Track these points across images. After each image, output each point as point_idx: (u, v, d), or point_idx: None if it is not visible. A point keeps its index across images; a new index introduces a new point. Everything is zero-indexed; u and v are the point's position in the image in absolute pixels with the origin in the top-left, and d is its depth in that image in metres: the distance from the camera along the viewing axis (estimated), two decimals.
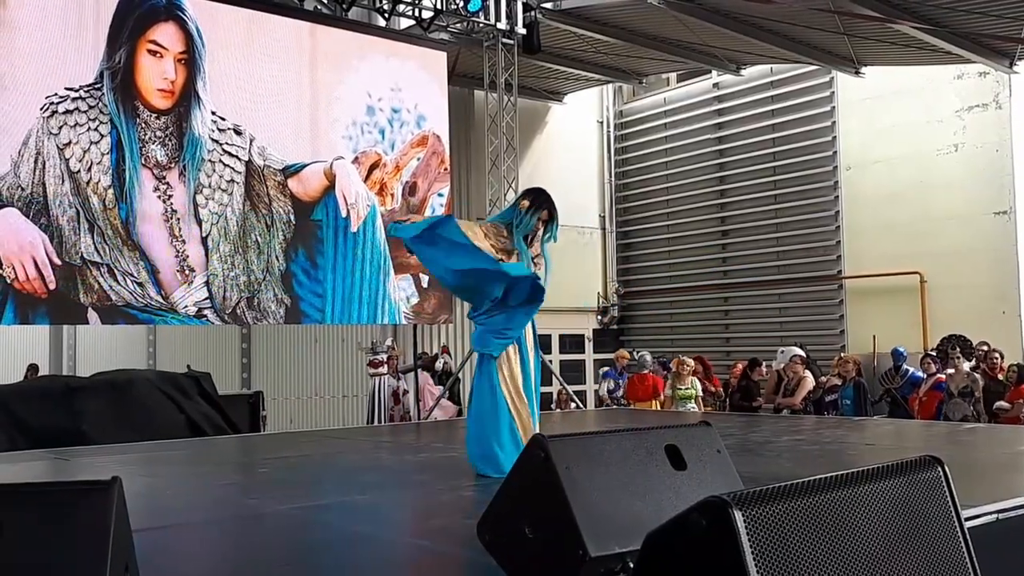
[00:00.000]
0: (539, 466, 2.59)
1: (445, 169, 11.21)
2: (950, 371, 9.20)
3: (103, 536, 1.72)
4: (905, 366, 10.06)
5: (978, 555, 2.90)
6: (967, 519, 3.21)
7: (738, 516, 1.59)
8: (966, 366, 9.74)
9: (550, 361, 13.52)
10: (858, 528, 1.75)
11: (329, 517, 3.70)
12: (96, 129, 8.49)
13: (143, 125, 8.75)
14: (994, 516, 3.41)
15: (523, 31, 11.83)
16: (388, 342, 12.07)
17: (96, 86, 8.51)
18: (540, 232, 4.91)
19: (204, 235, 9.05)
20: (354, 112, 10.34)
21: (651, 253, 16.56)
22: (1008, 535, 3.37)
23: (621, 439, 2.86)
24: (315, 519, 3.65)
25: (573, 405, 12.24)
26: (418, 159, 10.93)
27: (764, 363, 11.31)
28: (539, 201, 4.92)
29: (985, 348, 9.99)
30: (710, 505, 1.62)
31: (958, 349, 9.49)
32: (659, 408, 10.29)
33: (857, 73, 13.00)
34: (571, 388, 12.58)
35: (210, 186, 9.13)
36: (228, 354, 16.20)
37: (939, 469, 1.98)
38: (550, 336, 15.77)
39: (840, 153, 13.90)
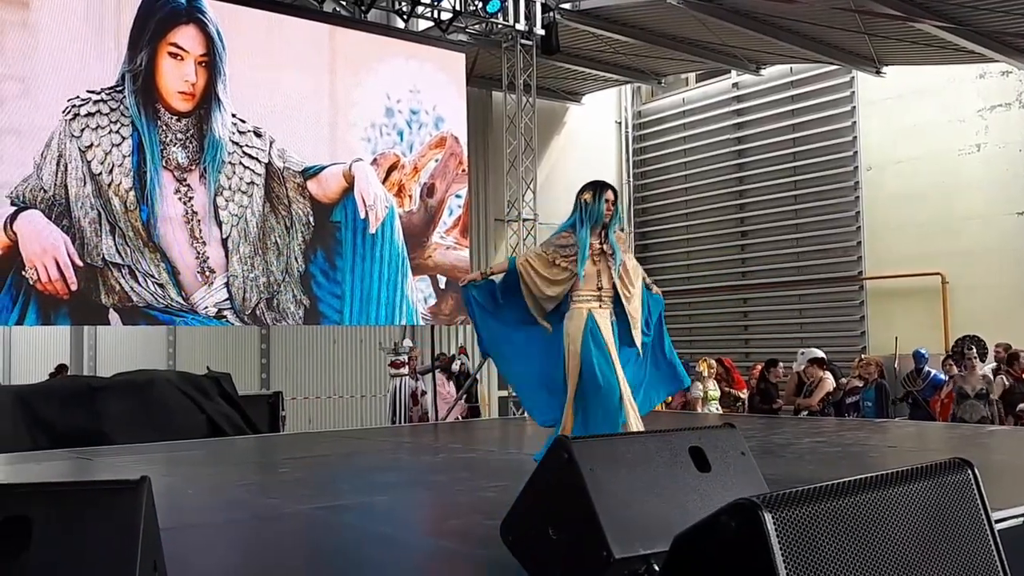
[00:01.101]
0: (563, 467, 2.58)
1: (463, 170, 11.22)
2: (962, 372, 9.10)
3: (133, 534, 1.73)
4: (927, 368, 9.98)
5: (1008, 559, 2.87)
6: (996, 521, 3.18)
7: (768, 518, 1.58)
8: (987, 368, 9.65)
9: None
10: (888, 531, 1.73)
11: (348, 517, 3.70)
12: (118, 132, 8.54)
13: (164, 127, 8.80)
14: (1020, 519, 3.37)
15: (542, 32, 11.83)
16: (407, 343, 12.09)
17: (118, 89, 8.57)
18: (609, 220, 4.90)
19: (224, 237, 9.09)
20: (373, 114, 10.36)
21: (670, 254, 16.50)
22: None
23: (645, 441, 2.85)
24: (334, 519, 3.66)
25: None
26: (436, 160, 10.94)
27: (783, 364, 11.25)
28: (599, 186, 4.97)
29: (1005, 349, 9.89)
30: (740, 507, 1.61)
31: (974, 349, 9.39)
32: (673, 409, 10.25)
33: (878, 72, 12.92)
34: None
35: (230, 188, 9.17)
36: (247, 355, 16.28)
37: (969, 472, 1.96)
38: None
39: (861, 153, 13.81)
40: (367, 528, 3.50)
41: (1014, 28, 10.69)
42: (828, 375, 9.97)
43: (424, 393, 11.75)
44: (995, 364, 9.89)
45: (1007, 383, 9.28)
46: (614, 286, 4.86)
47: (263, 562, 3.03)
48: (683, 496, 2.72)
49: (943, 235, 12.69)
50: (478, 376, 12.78)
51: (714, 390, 9.89)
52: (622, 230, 5.09)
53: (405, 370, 11.84)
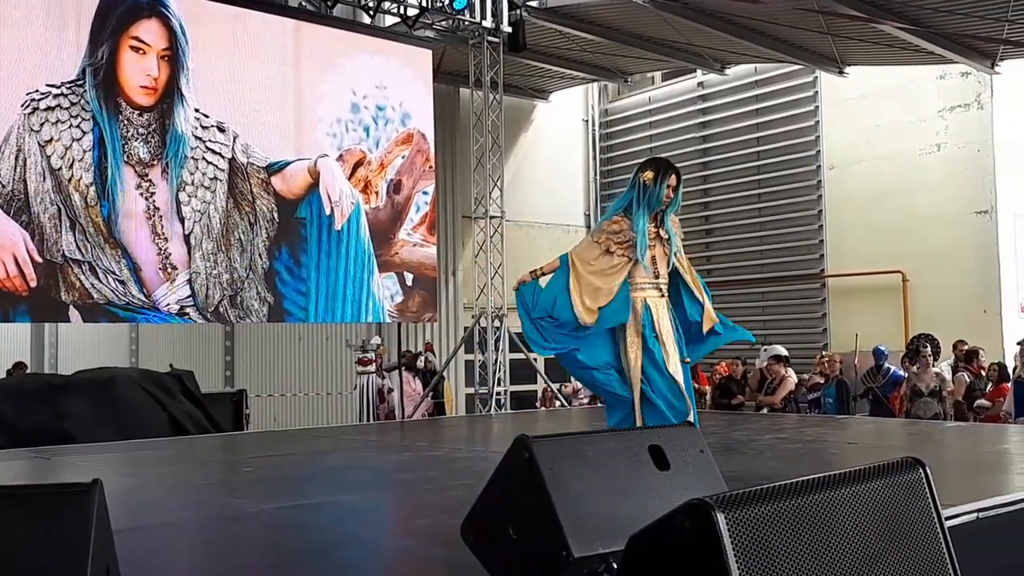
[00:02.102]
0: (523, 467, 2.59)
1: (430, 167, 11.19)
2: (916, 370, 9.24)
3: (83, 539, 1.71)
4: (887, 365, 10.12)
5: (959, 555, 2.92)
6: (948, 518, 3.24)
7: (721, 519, 1.60)
8: (944, 365, 9.80)
9: (535, 359, 13.52)
10: (840, 530, 1.76)
11: (313, 517, 3.69)
12: (78, 126, 8.43)
13: (125, 122, 8.69)
14: (974, 515, 3.44)
15: (508, 29, 11.82)
16: (376, 341, 12.05)
17: (78, 83, 8.45)
18: (667, 206, 4.55)
19: (187, 233, 9.00)
20: (339, 110, 10.31)
21: None
22: (988, 534, 3.40)
23: (605, 439, 2.87)
24: (299, 519, 3.64)
25: (558, 403, 12.25)
26: (403, 157, 10.91)
27: (747, 361, 11.37)
28: (663, 167, 4.57)
29: (965, 347, 10.06)
30: (693, 508, 1.63)
31: (929, 348, 9.54)
32: None
33: (841, 73, 13.06)
34: (556, 386, 12.59)
35: (193, 184, 9.09)
36: (211, 352, 16.14)
37: (921, 471, 1.99)
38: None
39: (823, 152, 13.96)
40: (333, 528, 3.49)
41: (973, 31, 10.86)
42: (791, 372, 10.08)
43: (391, 390, 11.73)
44: (953, 362, 10.06)
45: (968, 380, 9.45)
46: (670, 273, 4.55)
47: (225, 564, 3.01)
48: (642, 494, 2.74)
49: (904, 234, 12.86)
50: (444, 373, 12.77)
51: None
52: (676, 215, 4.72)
53: (372, 367, 11.82)
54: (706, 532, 1.60)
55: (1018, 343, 9.36)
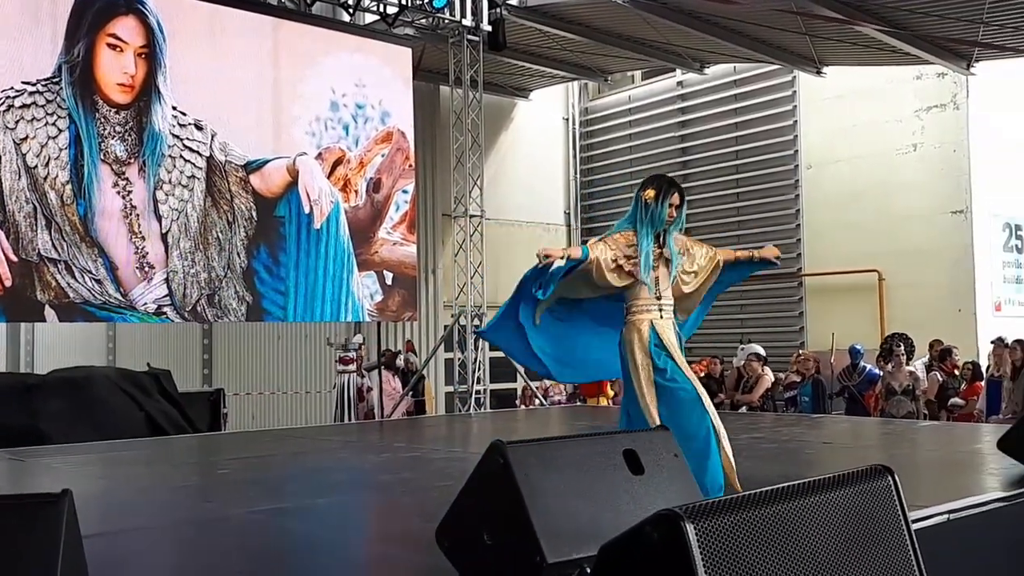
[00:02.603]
0: (498, 473, 2.60)
1: (410, 166, 11.17)
2: (890, 369, 9.33)
3: (52, 552, 1.71)
4: (863, 363, 10.20)
5: (929, 556, 2.95)
6: (919, 519, 3.28)
7: (690, 529, 1.61)
8: (918, 364, 9.89)
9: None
10: (809, 539, 1.78)
11: (289, 522, 3.68)
12: (54, 124, 8.35)
13: (102, 120, 8.62)
14: (945, 516, 3.47)
15: (488, 28, 11.81)
16: (358, 339, 12.01)
17: (54, 80, 8.38)
18: (670, 223, 4.46)
19: (164, 232, 8.94)
20: (318, 108, 10.27)
21: None
22: (959, 535, 3.43)
23: (580, 445, 2.88)
24: (275, 524, 3.63)
25: (537, 401, 12.27)
26: (382, 155, 10.88)
27: (725, 360, 11.43)
28: (664, 185, 4.46)
29: (940, 346, 10.15)
30: (663, 518, 1.64)
31: (902, 347, 9.63)
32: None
33: (819, 73, 13.14)
34: (535, 384, 12.61)
35: (170, 182, 9.03)
36: (189, 350, 16.04)
37: (889, 478, 2.01)
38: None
39: (801, 152, 14.05)
40: (308, 533, 3.49)
41: (949, 33, 10.96)
42: (767, 371, 10.15)
43: (370, 389, 11.70)
44: (928, 360, 10.15)
45: (940, 379, 9.54)
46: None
47: (199, 569, 3.00)
48: (616, 499, 2.76)
49: (880, 233, 12.96)
50: (425, 372, 12.76)
51: None
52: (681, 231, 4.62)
53: (353, 366, 11.78)
54: (675, 543, 1.61)
55: (992, 342, 9.47)
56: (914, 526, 3.10)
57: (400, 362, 12.43)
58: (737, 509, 1.70)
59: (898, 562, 1.92)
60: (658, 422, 4.13)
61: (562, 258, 4.36)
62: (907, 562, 1.94)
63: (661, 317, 4.37)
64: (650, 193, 4.41)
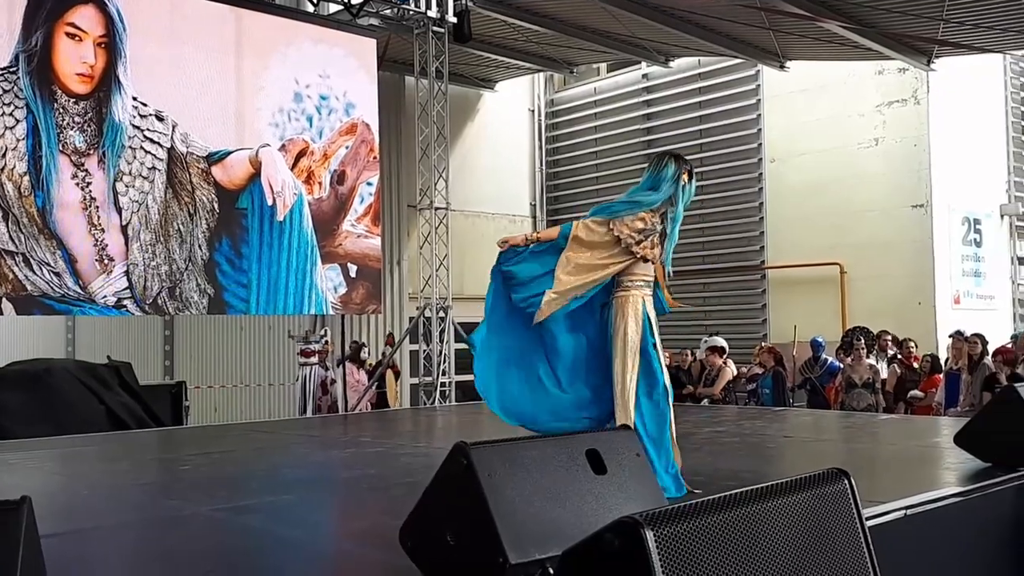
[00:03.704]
0: (461, 474, 2.60)
1: (375, 157, 11.11)
2: (849, 361, 9.47)
3: (10, 561, 1.68)
4: (824, 355, 10.33)
5: (887, 553, 3.00)
6: (877, 516, 3.33)
7: (649, 536, 1.63)
8: (879, 361, 10.03)
9: None
10: (767, 543, 1.80)
11: (251, 520, 3.66)
12: (11, 114, 8.20)
13: (61, 110, 8.48)
14: (903, 512, 3.53)
15: (454, 19, 11.76)
16: (323, 333, 11.94)
17: (11, 70, 8.21)
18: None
19: (124, 224, 8.82)
20: (281, 99, 10.17)
21: None
22: (915, 531, 3.49)
23: (544, 445, 2.89)
24: (236, 522, 3.61)
25: None
26: (347, 147, 10.81)
27: (690, 351, 11.50)
28: (689, 166, 4.44)
29: (889, 338, 10.31)
30: (622, 525, 1.66)
31: (862, 340, 9.77)
32: None
33: (782, 67, 13.25)
34: None
35: (131, 173, 8.90)
36: (151, 343, 15.87)
37: (845, 481, 2.05)
38: (479, 325, 15.76)
39: (764, 145, 14.17)
40: (270, 531, 3.47)
41: (910, 29, 11.09)
42: (729, 363, 10.24)
43: (334, 382, 11.66)
44: (893, 354, 10.27)
45: (899, 372, 9.68)
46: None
47: (159, 570, 2.97)
48: (579, 499, 2.78)
49: (842, 227, 13.12)
50: (394, 363, 12.72)
51: None
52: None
53: (315, 359, 11.72)
54: (635, 549, 1.63)
55: (950, 335, 9.62)
56: (872, 523, 3.17)
57: (364, 354, 12.38)
58: (696, 515, 1.72)
59: (854, 565, 1.95)
60: (632, 392, 4.14)
61: (527, 238, 4.35)
62: (863, 565, 1.97)
63: (648, 295, 4.33)
64: (685, 176, 4.36)
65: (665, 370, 4.34)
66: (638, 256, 4.24)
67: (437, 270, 12.16)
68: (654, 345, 4.27)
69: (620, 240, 4.21)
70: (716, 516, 1.74)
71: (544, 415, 4.32)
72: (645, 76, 15.69)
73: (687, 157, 4.62)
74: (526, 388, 4.36)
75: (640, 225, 4.24)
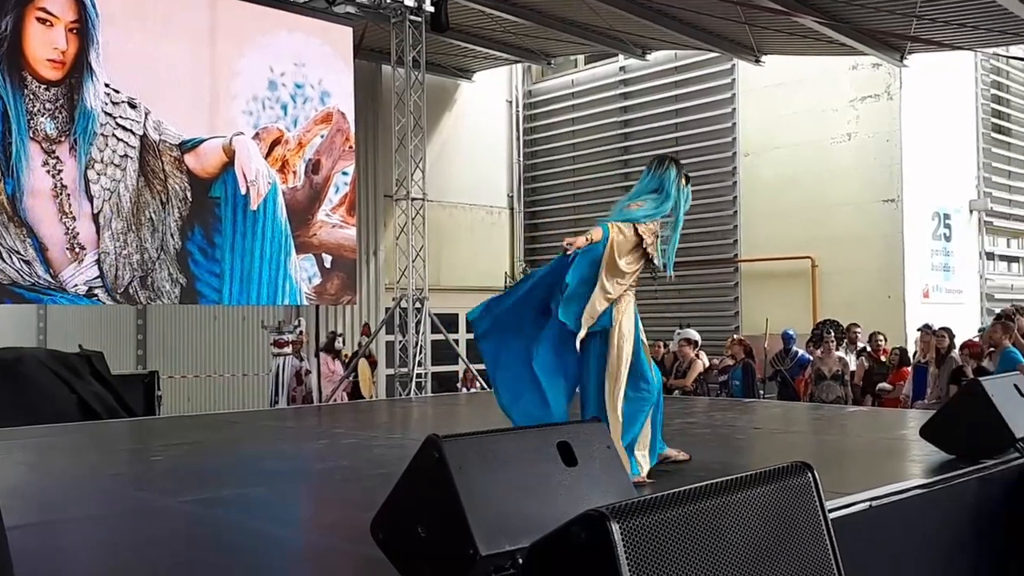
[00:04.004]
0: (432, 467, 2.62)
1: (350, 147, 11.08)
2: (819, 353, 9.57)
3: None
4: (795, 348, 10.43)
5: (852, 543, 3.05)
6: (843, 507, 3.38)
7: (615, 528, 1.66)
8: (848, 354, 10.14)
9: (456, 341, 13.56)
10: (730, 535, 1.84)
11: (222, 512, 3.66)
12: None
13: (31, 97, 8.39)
14: (867, 504, 3.58)
15: (431, 8, 11.73)
16: (296, 324, 11.89)
17: None
18: None
19: (95, 212, 8.75)
20: (255, 87, 10.11)
21: (557, 233, 16.68)
22: (880, 521, 3.54)
23: (515, 438, 2.91)
24: (207, 514, 3.61)
25: (479, 384, 12.31)
26: (322, 136, 10.77)
27: (663, 343, 11.57)
28: (682, 167, 4.53)
29: (858, 331, 10.42)
30: (589, 518, 1.68)
31: (832, 333, 9.88)
32: None
33: (757, 62, 13.32)
34: (478, 367, 12.64)
35: (102, 161, 8.83)
36: (123, 332, 15.75)
37: (809, 474, 2.08)
38: (457, 315, 15.79)
39: (739, 139, 14.25)
40: (241, 524, 3.47)
41: (884, 26, 11.19)
42: (702, 355, 10.31)
43: (308, 373, 11.63)
44: (864, 346, 10.38)
45: (867, 365, 9.79)
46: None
47: (128, 563, 2.97)
48: (550, 491, 2.80)
49: (814, 220, 13.23)
50: (370, 353, 12.70)
51: None
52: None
53: (289, 349, 11.67)
54: (601, 542, 1.65)
55: (918, 329, 9.73)
56: (838, 514, 3.22)
57: (340, 344, 12.35)
58: (661, 508, 1.75)
59: (816, 557, 1.99)
60: (623, 385, 4.18)
61: (589, 239, 4.19)
62: (825, 557, 2.01)
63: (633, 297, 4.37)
64: (683, 178, 4.47)
65: (652, 362, 4.42)
66: (651, 258, 4.30)
67: (413, 261, 12.15)
68: (641, 341, 4.37)
69: (642, 243, 4.26)
70: (681, 508, 1.77)
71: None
72: (622, 69, 15.72)
73: (663, 151, 4.69)
74: (538, 404, 4.29)
75: (656, 229, 4.34)
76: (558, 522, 1.88)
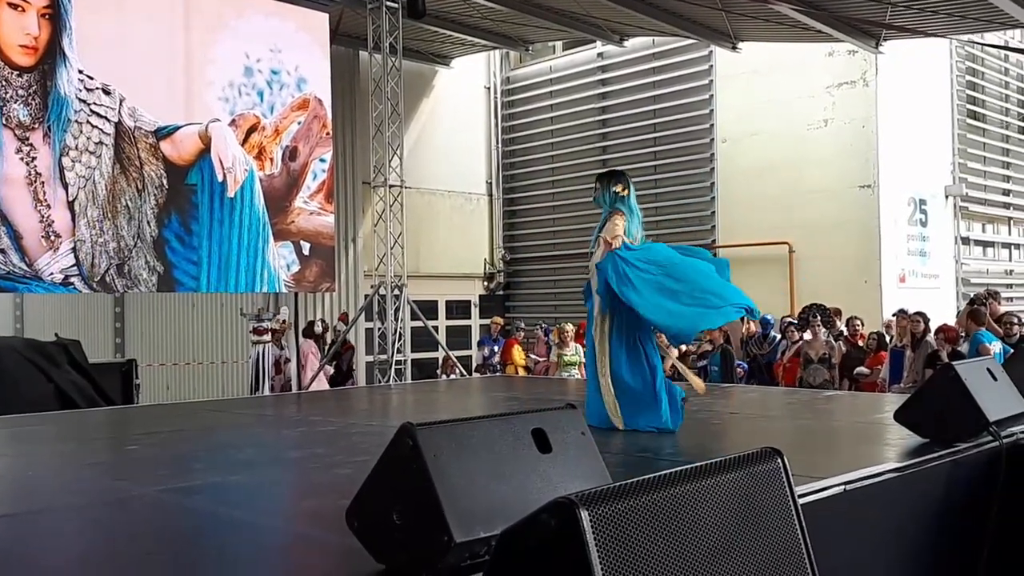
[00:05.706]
0: (407, 455, 2.63)
1: (327, 133, 11.03)
2: (808, 337, 9.67)
3: None
4: (772, 333, 10.51)
5: (825, 527, 3.09)
6: (816, 491, 3.42)
7: (584, 516, 1.67)
8: (826, 334, 10.24)
9: (435, 328, 13.56)
10: (700, 522, 1.86)
11: (199, 501, 3.65)
12: None
13: (4, 83, 8.30)
14: (841, 488, 3.62)
15: None
16: (284, 310, 11.85)
17: None
18: None
19: (71, 199, 8.68)
20: (231, 73, 10.04)
21: (536, 220, 16.71)
22: (854, 505, 3.59)
23: (490, 425, 2.93)
24: (184, 503, 3.60)
25: (458, 371, 12.32)
26: (299, 123, 10.72)
27: None
28: (623, 179, 5.18)
29: (838, 315, 10.53)
30: (558, 506, 1.69)
31: (819, 317, 9.98)
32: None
33: (734, 48, 13.35)
34: (457, 354, 12.66)
35: (77, 148, 8.75)
36: (101, 320, 15.64)
37: (778, 460, 2.10)
38: (436, 302, 15.81)
39: (717, 126, 14.29)
40: (218, 512, 3.47)
41: (859, 13, 11.24)
42: None
43: (288, 360, 11.60)
44: (842, 330, 10.49)
45: (844, 349, 9.89)
46: None
47: (102, 551, 2.96)
48: (524, 478, 2.82)
49: (791, 207, 13.31)
50: (349, 341, 12.69)
51: (573, 355, 10.13)
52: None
53: (268, 337, 11.63)
54: (570, 529, 1.67)
55: (894, 314, 9.84)
56: (812, 498, 3.26)
57: (318, 328, 12.32)
58: (630, 495, 1.77)
59: (786, 543, 2.02)
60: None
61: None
62: (795, 542, 2.03)
63: None
64: (624, 190, 5.17)
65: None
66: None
67: (392, 248, 12.13)
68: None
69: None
70: (651, 495, 1.79)
71: None
72: (600, 55, 15.72)
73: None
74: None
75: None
76: (532, 508, 1.89)
